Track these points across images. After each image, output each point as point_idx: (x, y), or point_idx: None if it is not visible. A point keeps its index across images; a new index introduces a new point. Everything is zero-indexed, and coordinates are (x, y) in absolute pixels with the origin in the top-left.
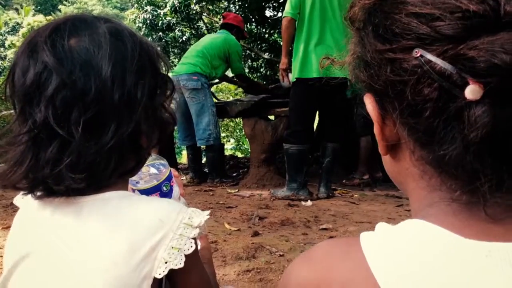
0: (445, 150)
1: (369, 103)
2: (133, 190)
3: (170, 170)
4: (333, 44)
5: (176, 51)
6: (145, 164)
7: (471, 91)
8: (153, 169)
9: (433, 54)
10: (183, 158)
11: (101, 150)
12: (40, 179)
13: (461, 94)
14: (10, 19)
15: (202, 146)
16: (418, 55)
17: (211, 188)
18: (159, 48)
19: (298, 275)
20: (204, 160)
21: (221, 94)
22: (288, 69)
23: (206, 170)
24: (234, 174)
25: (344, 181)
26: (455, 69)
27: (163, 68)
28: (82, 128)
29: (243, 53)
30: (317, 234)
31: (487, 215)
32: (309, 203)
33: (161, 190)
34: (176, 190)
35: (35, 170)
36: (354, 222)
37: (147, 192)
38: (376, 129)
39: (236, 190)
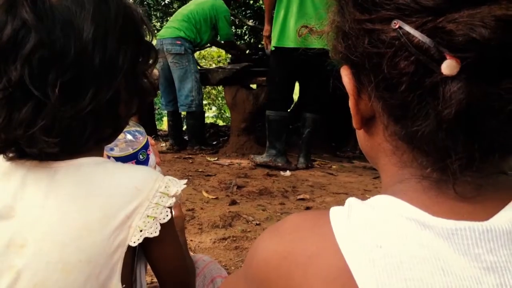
0: (418, 126)
1: (345, 75)
2: (108, 157)
3: (147, 139)
4: (314, 13)
5: (158, 14)
6: None
7: (448, 66)
8: (129, 136)
9: (412, 26)
10: (164, 124)
11: (77, 115)
12: (12, 140)
13: (437, 68)
14: None
15: (183, 113)
16: (396, 26)
17: (190, 156)
18: (143, 13)
19: (266, 248)
20: (184, 127)
21: (203, 60)
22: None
23: (186, 137)
24: (214, 143)
25: (338, 153)
26: (433, 42)
27: (147, 35)
28: (59, 90)
29: None
30: (294, 204)
31: (456, 193)
32: (287, 173)
33: (138, 159)
34: (153, 159)
35: (7, 130)
36: (331, 193)
37: (122, 159)
38: (351, 102)
39: (216, 159)
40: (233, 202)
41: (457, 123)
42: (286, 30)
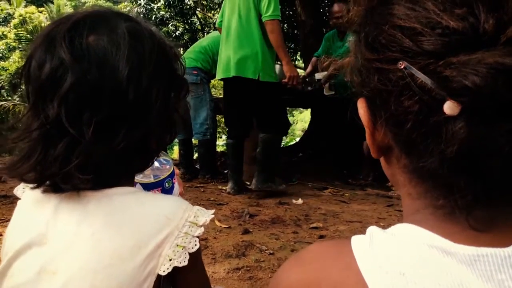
0: (423, 162)
1: (361, 108)
2: (135, 183)
3: (173, 167)
4: (237, 43)
5: (181, 56)
6: None
7: (449, 107)
8: (157, 164)
9: (416, 67)
10: (175, 153)
11: (110, 152)
12: (48, 176)
13: (440, 108)
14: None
15: (194, 142)
16: (401, 67)
17: (202, 185)
18: (176, 48)
19: (289, 277)
20: (195, 156)
21: (213, 90)
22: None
23: (197, 166)
24: (226, 171)
25: (350, 180)
26: (434, 84)
27: (180, 70)
28: (93, 129)
29: None
30: (307, 232)
31: (470, 226)
32: (300, 201)
33: (163, 187)
34: (177, 188)
35: (43, 165)
36: (345, 221)
37: (149, 186)
38: (366, 134)
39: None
40: (246, 231)
41: (459, 161)
42: (219, 63)
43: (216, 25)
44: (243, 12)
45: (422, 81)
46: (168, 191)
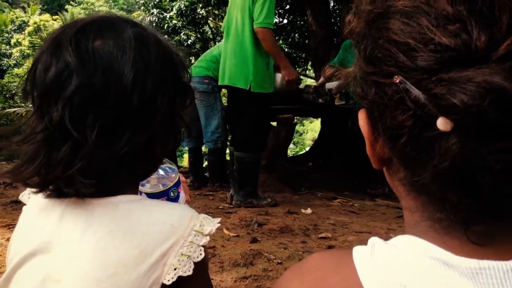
0: (418, 176)
1: (361, 119)
2: (140, 193)
3: (179, 176)
4: (230, 52)
5: (187, 64)
6: None
7: (442, 123)
8: (162, 172)
9: (410, 82)
10: (185, 161)
11: (113, 157)
12: (51, 179)
13: (433, 124)
14: (16, 17)
15: (203, 150)
16: (397, 81)
17: (211, 193)
18: (182, 55)
19: (289, 286)
20: (205, 164)
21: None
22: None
23: (206, 174)
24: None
25: (368, 190)
26: (428, 100)
27: (186, 77)
28: (97, 132)
29: None
30: (316, 242)
31: (470, 240)
32: (308, 211)
33: (168, 196)
34: (182, 197)
35: (46, 169)
36: (354, 232)
37: (153, 196)
38: (367, 145)
39: None
40: (254, 240)
41: (453, 176)
42: (219, 69)
43: (222, 29)
44: (239, 19)
45: (416, 96)
46: (174, 200)
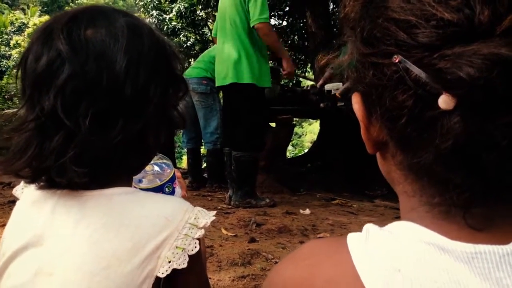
0: (418, 158)
1: (356, 103)
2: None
3: (174, 171)
4: (221, 52)
5: (180, 56)
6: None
7: (444, 101)
8: (157, 168)
9: (410, 61)
10: (183, 162)
11: (106, 146)
12: (43, 169)
13: (435, 103)
14: (16, 19)
15: (202, 151)
16: (396, 61)
17: (209, 193)
18: (175, 47)
19: (283, 274)
20: (203, 165)
21: None
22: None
23: (205, 175)
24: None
25: (366, 191)
26: (429, 77)
27: (179, 68)
28: (90, 121)
29: None
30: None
31: (468, 224)
32: (307, 211)
33: (163, 191)
34: (178, 192)
35: (39, 159)
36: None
37: (149, 191)
38: (362, 129)
39: None
40: (252, 240)
41: (455, 156)
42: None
43: (213, 35)
44: (231, 19)
45: (416, 75)
46: (169, 195)
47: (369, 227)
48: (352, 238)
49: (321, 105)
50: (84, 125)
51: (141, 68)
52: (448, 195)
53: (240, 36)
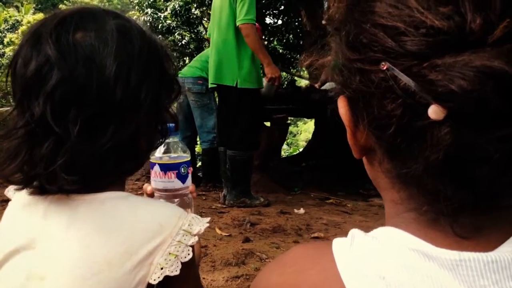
0: (408, 168)
1: (342, 107)
2: (151, 164)
3: (190, 158)
4: (215, 52)
5: (175, 54)
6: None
7: (434, 112)
8: (174, 155)
9: (398, 68)
10: None
11: (96, 152)
12: (33, 176)
13: (425, 112)
14: (10, 17)
15: (197, 150)
16: (384, 68)
17: (203, 193)
18: (167, 47)
19: (268, 280)
20: (198, 164)
21: None
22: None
23: (199, 174)
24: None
25: (361, 190)
26: (418, 87)
27: (171, 69)
28: (79, 127)
29: None
30: (308, 242)
31: (455, 233)
32: (301, 211)
33: (179, 171)
34: (190, 180)
35: (29, 165)
36: (347, 232)
37: (164, 167)
38: (348, 134)
39: None
40: (247, 240)
41: (445, 168)
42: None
43: (207, 35)
44: (222, 18)
45: (405, 83)
46: (183, 177)
47: (354, 233)
48: (337, 244)
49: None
50: (73, 132)
51: (132, 72)
52: (438, 205)
53: (231, 36)
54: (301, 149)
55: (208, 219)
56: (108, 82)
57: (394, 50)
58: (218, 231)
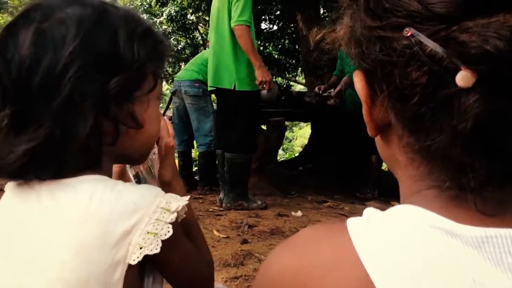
0: (432, 140)
1: (358, 82)
2: None
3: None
4: (213, 55)
5: (170, 59)
6: None
7: (462, 78)
8: None
9: (424, 34)
10: None
11: (20, 147)
12: None
13: (451, 80)
14: (4, 22)
15: (193, 153)
16: (408, 34)
17: (200, 196)
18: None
19: (280, 262)
20: (195, 168)
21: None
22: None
23: (196, 177)
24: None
25: (357, 194)
26: (446, 52)
27: (138, 54)
28: (9, 120)
29: None
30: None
31: (478, 209)
32: (299, 213)
33: None
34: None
35: None
36: None
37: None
38: (364, 109)
39: None
40: (245, 241)
41: (474, 138)
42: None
43: (208, 38)
44: (219, 21)
45: (431, 49)
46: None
47: (370, 211)
48: (353, 223)
49: (328, 102)
50: (2, 125)
51: (55, 58)
52: (462, 179)
53: (229, 39)
54: (296, 154)
55: (187, 197)
56: (23, 70)
57: (421, 13)
58: (216, 233)
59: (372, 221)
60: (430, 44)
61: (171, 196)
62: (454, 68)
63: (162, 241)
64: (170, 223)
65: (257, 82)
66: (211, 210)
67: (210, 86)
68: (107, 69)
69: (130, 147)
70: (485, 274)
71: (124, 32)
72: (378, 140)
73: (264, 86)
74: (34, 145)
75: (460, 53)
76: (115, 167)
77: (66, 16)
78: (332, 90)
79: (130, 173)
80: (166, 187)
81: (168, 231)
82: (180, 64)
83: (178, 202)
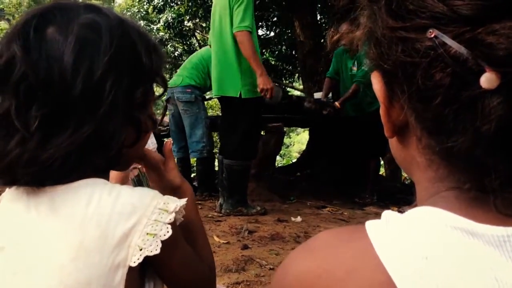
0: (454, 141)
1: (376, 83)
2: None
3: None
4: (216, 62)
5: (168, 66)
6: None
7: (487, 80)
8: None
9: (449, 36)
10: None
11: (56, 150)
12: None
13: (476, 82)
14: (1, 30)
15: (192, 160)
16: (432, 35)
17: (200, 202)
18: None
19: (298, 267)
20: (193, 174)
21: (210, 111)
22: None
23: (195, 183)
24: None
25: (356, 199)
26: (471, 54)
27: (154, 64)
28: (38, 123)
29: None
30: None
31: (498, 211)
32: (298, 219)
33: None
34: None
35: None
36: None
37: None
38: (381, 110)
39: None
40: (245, 247)
41: (497, 139)
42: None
43: (208, 43)
44: (222, 30)
45: (456, 51)
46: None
47: (388, 214)
48: (372, 226)
49: (324, 112)
50: (32, 128)
51: (94, 66)
52: (483, 180)
53: (232, 47)
54: (294, 160)
55: (186, 198)
56: (65, 76)
57: (446, 15)
58: (216, 238)
59: (392, 224)
60: (455, 45)
61: (169, 197)
62: (478, 70)
63: (162, 242)
64: (169, 224)
65: (258, 90)
66: (210, 216)
67: (215, 95)
68: (135, 78)
69: (136, 150)
70: (507, 273)
71: (142, 43)
72: (393, 141)
73: (266, 93)
74: (72, 149)
75: (486, 55)
76: (121, 173)
77: (94, 22)
78: (330, 95)
79: (129, 176)
80: (177, 191)
81: (168, 232)
82: (177, 70)
83: (175, 202)
